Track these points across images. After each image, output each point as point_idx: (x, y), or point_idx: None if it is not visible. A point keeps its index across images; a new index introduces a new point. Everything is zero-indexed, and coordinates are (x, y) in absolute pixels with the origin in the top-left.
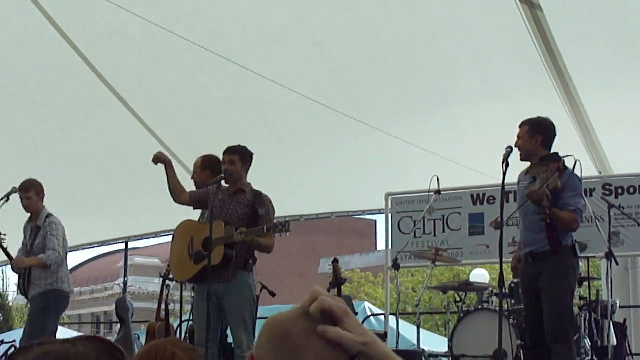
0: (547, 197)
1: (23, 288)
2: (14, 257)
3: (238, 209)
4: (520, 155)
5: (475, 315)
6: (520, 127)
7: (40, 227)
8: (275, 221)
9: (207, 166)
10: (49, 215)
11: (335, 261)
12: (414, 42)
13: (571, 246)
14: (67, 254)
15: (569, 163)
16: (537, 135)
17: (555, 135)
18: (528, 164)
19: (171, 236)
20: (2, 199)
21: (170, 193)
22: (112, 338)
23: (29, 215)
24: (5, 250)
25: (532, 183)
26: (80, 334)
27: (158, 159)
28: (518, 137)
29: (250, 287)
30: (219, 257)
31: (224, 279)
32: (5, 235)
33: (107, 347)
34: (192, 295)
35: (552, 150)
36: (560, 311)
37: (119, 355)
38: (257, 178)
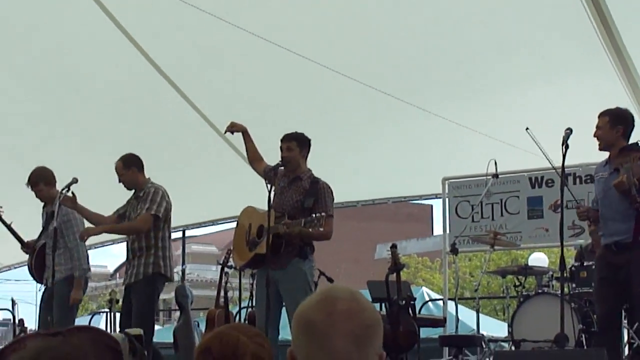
0: (635, 186)
1: (37, 274)
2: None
3: (294, 197)
4: (599, 145)
5: (535, 300)
6: (599, 117)
7: (54, 212)
8: (315, 214)
9: (130, 164)
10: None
11: (394, 246)
12: (468, 23)
13: None
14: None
15: None
16: (617, 125)
17: (634, 126)
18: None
19: (227, 224)
20: (64, 189)
21: (248, 159)
22: (171, 325)
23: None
24: (8, 227)
25: (612, 174)
26: None
27: (233, 127)
28: (597, 127)
29: (306, 273)
30: (266, 246)
31: (279, 265)
32: (1, 207)
33: (102, 337)
34: (251, 282)
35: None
36: None
37: (113, 344)
38: (312, 164)
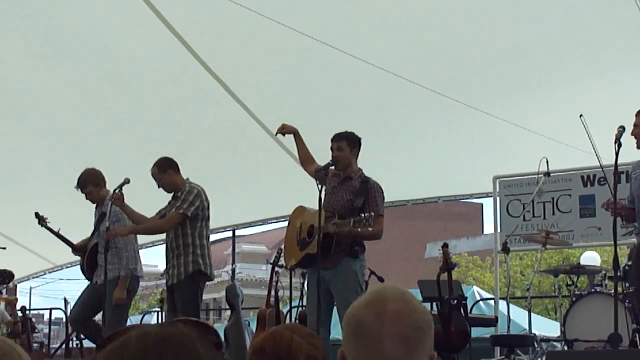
0: None
1: (88, 271)
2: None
3: (344, 196)
4: (637, 142)
5: (588, 299)
6: (636, 115)
7: (105, 213)
8: (364, 214)
9: (165, 167)
10: (111, 199)
11: (445, 245)
12: (517, 21)
13: None
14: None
15: None
16: None
17: None
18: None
19: (277, 223)
20: (116, 189)
21: (300, 161)
22: (222, 325)
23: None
24: (54, 233)
25: None
26: None
27: (283, 128)
28: (635, 125)
29: (356, 273)
30: (316, 246)
31: (330, 265)
32: (47, 217)
33: (203, 328)
34: (301, 281)
35: None
36: None
37: (212, 335)
38: (363, 164)
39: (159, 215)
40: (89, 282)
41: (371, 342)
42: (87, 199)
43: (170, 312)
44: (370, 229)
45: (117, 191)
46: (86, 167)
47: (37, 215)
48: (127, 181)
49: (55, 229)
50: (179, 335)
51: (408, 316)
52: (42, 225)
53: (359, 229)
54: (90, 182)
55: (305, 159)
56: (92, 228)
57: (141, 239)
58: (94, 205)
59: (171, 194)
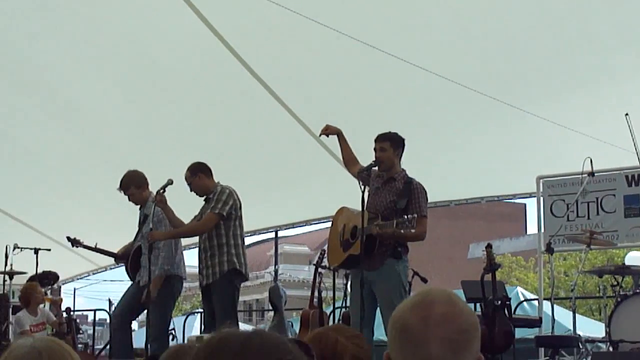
0: None
1: (131, 271)
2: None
3: (387, 197)
4: None
5: (633, 300)
6: None
7: (147, 215)
8: (407, 216)
9: (197, 171)
10: (153, 201)
11: (489, 246)
12: (561, 21)
13: None
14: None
15: None
16: None
17: None
18: None
19: (320, 224)
20: (159, 190)
21: (343, 162)
22: (264, 325)
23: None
24: (94, 249)
25: None
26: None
27: (327, 129)
28: None
29: (399, 274)
30: (359, 247)
31: (373, 266)
32: (79, 238)
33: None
34: (344, 282)
35: None
36: None
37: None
38: (406, 164)
39: (195, 221)
40: (132, 282)
41: (418, 346)
42: (129, 200)
43: (208, 314)
44: (413, 230)
45: (160, 192)
46: (128, 169)
47: (69, 239)
48: (170, 182)
49: (92, 245)
50: (278, 339)
51: (455, 319)
52: (77, 247)
53: (402, 231)
54: (132, 184)
55: (348, 160)
56: (136, 230)
57: (184, 240)
58: (138, 207)
59: (203, 199)
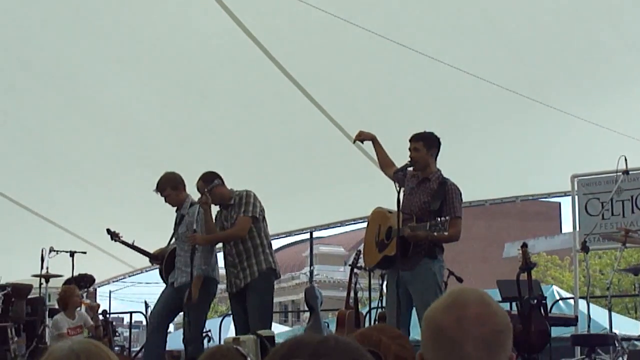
0: None
1: (165, 273)
2: (138, 247)
3: (421, 198)
4: None
5: None
6: None
7: (184, 215)
8: (440, 218)
9: (212, 180)
10: (192, 204)
11: (525, 245)
12: (594, 19)
13: None
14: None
15: None
16: None
17: None
18: None
19: (355, 224)
20: (205, 191)
21: (379, 166)
22: (301, 326)
23: None
24: (129, 245)
25: None
26: None
27: (361, 135)
28: None
29: (435, 274)
30: (394, 248)
31: (408, 266)
32: (119, 232)
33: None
34: (380, 282)
35: None
36: None
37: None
38: (440, 164)
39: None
40: (170, 289)
41: (452, 347)
42: (165, 201)
43: (240, 316)
44: (445, 233)
45: (206, 193)
46: (166, 171)
47: (108, 231)
48: (218, 183)
49: (129, 241)
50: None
51: (489, 319)
52: (115, 241)
53: (435, 234)
54: (168, 185)
55: (384, 163)
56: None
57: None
58: (174, 209)
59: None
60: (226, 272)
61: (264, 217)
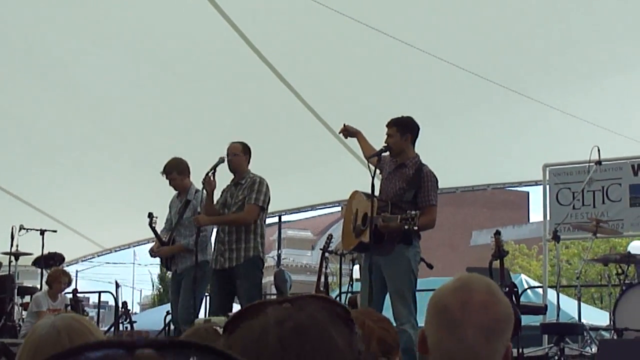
0: None
1: (166, 262)
2: (163, 239)
3: (397, 184)
4: None
5: (638, 288)
6: None
7: (190, 201)
8: (410, 213)
9: (246, 151)
10: (197, 190)
11: (498, 233)
12: (570, 8)
13: None
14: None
15: None
16: None
17: None
18: None
19: (323, 209)
20: (210, 170)
21: (364, 156)
22: None
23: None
24: (155, 232)
25: None
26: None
27: (346, 131)
28: None
29: (409, 259)
30: (369, 236)
31: (383, 252)
32: (157, 217)
33: (331, 305)
34: (350, 267)
35: None
36: None
37: (343, 313)
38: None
39: (219, 204)
40: (172, 276)
41: (454, 329)
42: (170, 184)
43: (219, 296)
44: (415, 227)
45: (209, 174)
46: (174, 157)
47: (150, 215)
48: (221, 160)
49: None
50: (315, 325)
51: (492, 308)
52: (150, 224)
53: (406, 227)
54: (175, 169)
55: (369, 155)
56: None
57: None
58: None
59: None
60: (215, 245)
61: (266, 209)
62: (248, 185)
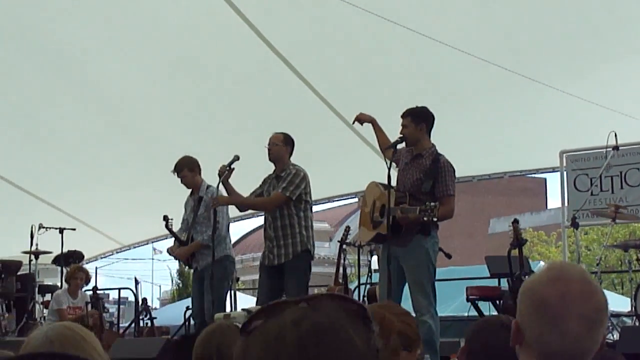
0: None
1: (187, 260)
2: (182, 238)
3: (414, 175)
4: None
5: None
6: None
7: (202, 197)
8: (429, 204)
9: (287, 142)
10: (209, 187)
11: (516, 221)
12: None
13: None
14: (229, 221)
15: None
16: None
17: None
18: None
19: (340, 200)
20: (227, 166)
21: (380, 148)
22: None
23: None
24: (173, 233)
25: None
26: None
27: (360, 120)
28: None
29: (427, 250)
30: (387, 228)
31: (401, 243)
32: (172, 219)
33: (348, 304)
34: (368, 258)
35: None
36: None
37: (361, 312)
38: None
39: (253, 195)
40: (194, 272)
41: (555, 321)
42: (181, 182)
43: (268, 291)
44: (435, 219)
45: (228, 169)
46: (184, 154)
47: (165, 218)
48: (237, 158)
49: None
50: (332, 325)
51: (591, 297)
52: (167, 226)
53: (425, 218)
54: (186, 167)
55: (384, 145)
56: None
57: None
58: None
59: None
60: (264, 241)
61: (307, 200)
62: (285, 177)
